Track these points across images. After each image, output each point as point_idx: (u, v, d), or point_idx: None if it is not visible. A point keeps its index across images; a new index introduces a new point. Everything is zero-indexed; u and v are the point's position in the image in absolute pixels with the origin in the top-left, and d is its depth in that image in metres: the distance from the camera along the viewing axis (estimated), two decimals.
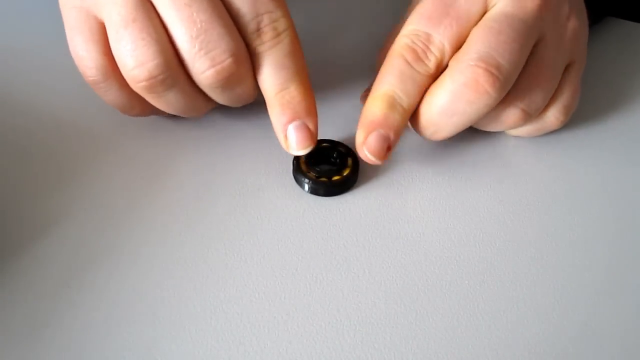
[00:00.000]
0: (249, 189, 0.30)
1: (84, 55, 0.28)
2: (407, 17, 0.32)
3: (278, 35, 0.27)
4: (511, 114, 0.29)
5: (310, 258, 0.27)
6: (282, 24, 0.27)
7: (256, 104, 0.33)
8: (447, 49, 0.28)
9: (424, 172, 0.31)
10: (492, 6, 0.28)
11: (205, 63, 0.26)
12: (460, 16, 0.28)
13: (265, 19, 0.27)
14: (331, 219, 0.29)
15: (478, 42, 0.27)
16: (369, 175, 0.31)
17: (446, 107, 0.28)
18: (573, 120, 0.32)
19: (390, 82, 0.28)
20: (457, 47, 0.28)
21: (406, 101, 0.28)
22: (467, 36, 0.28)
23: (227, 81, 0.27)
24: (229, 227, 0.28)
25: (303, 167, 0.30)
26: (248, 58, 0.27)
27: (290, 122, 0.28)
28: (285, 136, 0.28)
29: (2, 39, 0.37)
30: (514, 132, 0.32)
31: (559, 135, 0.33)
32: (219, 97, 0.29)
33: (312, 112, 0.28)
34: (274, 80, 0.28)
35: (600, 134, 0.34)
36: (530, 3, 0.28)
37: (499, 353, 0.25)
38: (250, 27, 0.27)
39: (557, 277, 0.27)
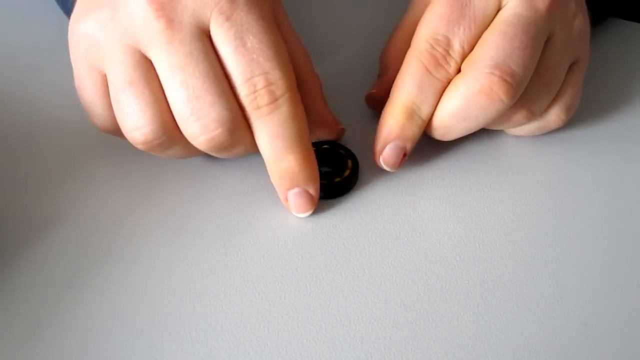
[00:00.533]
0: (248, 188, 0.30)
1: (91, 107, 0.28)
2: (411, 14, 0.31)
3: (275, 100, 0.25)
4: (517, 113, 0.29)
5: (310, 258, 0.27)
6: (280, 87, 0.25)
7: None
8: (466, 51, 0.28)
9: (424, 172, 0.31)
10: (505, 4, 0.28)
11: (196, 129, 0.25)
12: (476, 16, 0.28)
13: (261, 82, 0.25)
14: (331, 219, 0.29)
15: (493, 48, 0.27)
16: (368, 176, 0.31)
17: (459, 111, 0.28)
18: (573, 120, 0.32)
19: (410, 92, 0.28)
20: (473, 48, 0.28)
21: (425, 111, 0.28)
22: (480, 36, 0.28)
23: (219, 148, 0.26)
24: (229, 227, 0.28)
25: None
26: (244, 124, 0.26)
27: (289, 189, 0.28)
28: (286, 199, 0.28)
29: (2, 39, 0.37)
30: (514, 131, 0.32)
31: (559, 135, 0.33)
32: (219, 156, 0.28)
33: (311, 179, 0.27)
34: (270, 150, 0.26)
35: (601, 134, 0.34)
36: (541, 3, 0.28)
37: (499, 353, 0.25)
38: (245, 90, 0.25)
39: (557, 277, 0.27)
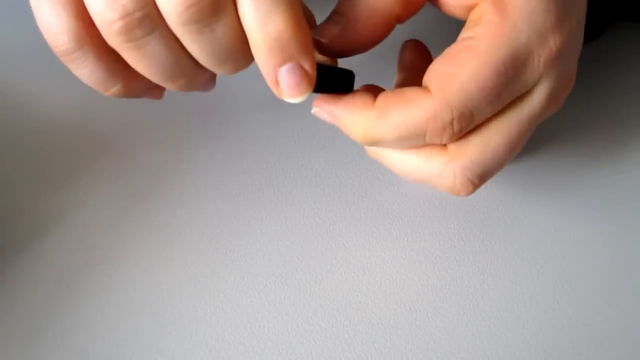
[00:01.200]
0: (249, 188, 0.30)
1: (53, 22, 0.24)
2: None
3: None
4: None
5: (310, 258, 0.27)
6: None
7: (256, 105, 0.33)
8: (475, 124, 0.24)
9: None
10: (533, 90, 0.24)
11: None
12: (509, 99, 0.24)
13: None
14: (331, 219, 0.29)
15: (491, 150, 0.24)
16: (368, 175, 0.31)
17: (409, 173, 0.26)
18: (574, 120, 0.32)
19: (384, 129, 0.24)
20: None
21: (381, 144, 0.25)
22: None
23: (199, 9, 0.22)
24: (229, 227, 0.28)
25: None
26: None
27: (280, 65, 0.23)
28: (276, 81, 0.23)
29: (2, 39, 0.37)
30: None
31: (559, 135, 0.33)
32: (199, 48, 0.23)
33: (306, 49, 0.23)
34: (255, 11, 0.22)
35: (602, 135, 0.34)
36: (560, 100, 0.25)
37: (499, 353, 0.25)
38: None
39: (557, 277, 0.27)
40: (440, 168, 0.25)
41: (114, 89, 0.25)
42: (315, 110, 0.26)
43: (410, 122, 0.23)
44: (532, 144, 0.33)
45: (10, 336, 0.24)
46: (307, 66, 0.23)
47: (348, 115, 0.25)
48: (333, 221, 0.29)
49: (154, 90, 0.27)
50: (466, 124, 0.23)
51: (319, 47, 0.26)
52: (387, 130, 0.24)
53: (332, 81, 0.25)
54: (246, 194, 0.30)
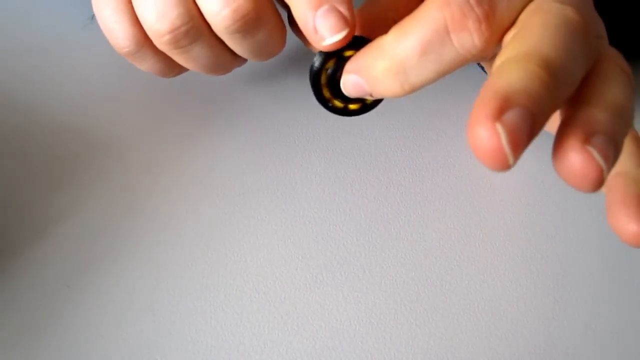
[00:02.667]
0: (249, 188, 0.30)
1: (114, 27, 0.27)
2: None
3: None
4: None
5: (310, 258, 0.27)
6: None
7: (256, 105, 0.33)
8: (505, 25, 0.21)
9: (423, 172, 0.31)
10: None
11: (220, 3, 0.25)
12: None
13: None
14: (331, 219, 0.29)
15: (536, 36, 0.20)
16: (368, 176, 0.31)
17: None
18: None
19: (408, 47, 0.22)
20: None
21: (412, 80, 0.22)
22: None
23: (245, 22, 0.25)
24: (229, 227, 0.28)
25: (326, 94, 0.25)
26: None
27: (317, 7, 0.23)
28: (315, 29, 0.23)
29: (2, 39, 0.37)
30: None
31: None
32: (242, 48, 0.27)
33: None
34: None
35: None
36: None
37: (499, 353, 0.25)
38: None
39: (557, 277, 0.27)
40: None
41: (171, 74, 0.31)
42: (343, 79, 0.24)
43: (428, 22, 0.21)
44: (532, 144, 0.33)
45: (10, 336, 0.24)
46: (343, 9, 0.23)
47: (369, 55, 0.23)
48: (333, 221, 0.29)
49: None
50: (489, 7, 0.21)
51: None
52: (409, 44, 0.21)
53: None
54: (246, 194, 0.30)
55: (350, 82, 0.23)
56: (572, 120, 0.19)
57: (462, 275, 0.27)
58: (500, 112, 0.17)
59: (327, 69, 0.24)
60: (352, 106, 0.25)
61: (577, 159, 0.18)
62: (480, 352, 0.25)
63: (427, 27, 0.21)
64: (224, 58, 0.29)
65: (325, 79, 0.25)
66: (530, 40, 0.19)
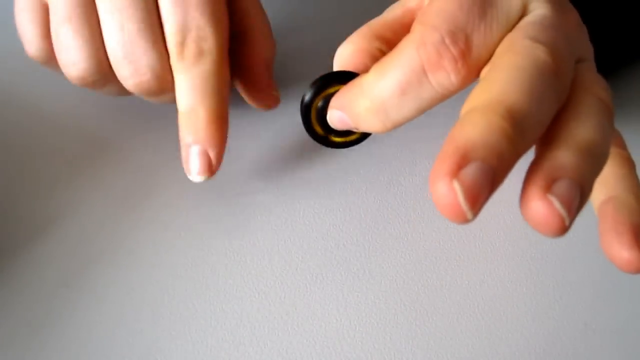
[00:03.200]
0: (249, 189, 0.30)
1: (26, 36, 0.28)
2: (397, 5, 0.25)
3: (201, 54, 0.26)
4: None
5: (310, 258, 0.27)
6: (208, 43, 0.26)
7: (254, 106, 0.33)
8: (483, 60, 0.21)
9: (423, 171, 0.31)
10: (531, 11, 0.22)
11: (127, 72, 0.26)
12: (500, 18, 0.21)
13: (192, 34, 0.26)
14: (331, 218, 0.29)
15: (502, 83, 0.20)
16: (368, 175, 0.31)
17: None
18: None
19: (385, 87, 0.22)
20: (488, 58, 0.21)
21: (393, 118, 0.22)
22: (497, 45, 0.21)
23: (148, 93, 0.27)
24: (229, 227, 0.28)
25: (318, 129, 0.26)
26: (172, 73, 0.27)
27: (192, 144, 0.27)
28: (187, 160, 0.27)
29: (2, 39, 0.37)
30: None
31: None
32: (149, 100, 0.29)
33: (216, 140, 0.27)
34: (185, 100, 0.27)
35: None
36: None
37: (499, 353, 0.25)
38: (175, 39, 0.26)
39: (557, 277, 0.27)
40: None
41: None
42: (329, 115, 0.24)
43: (405, 62, 0.21)
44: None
45: (10, 336, 0.24)
46: (213, 155, 0.27)
47: (351, 93, 0.23)
48: (333, 221, 0.29)
49: None
50: (464, 45, 0.21)
51: None
52: (388, 85, 0.21)
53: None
54: (246, 194, 0.30)
55: (336, 118, 0.24)
56: (538, 164, 0.19)
57: (462, 275, 0.27)
58: (458, 168, 0.18)
59: (317, 105, 0.25)
60: (344, 139, 0.26)
61: (538, 207, 0.19)
62: (480, 352, 0.25)
63: (405, 68, 0.21)
64: (131, 94, 0.29)
65: (315, 115, 0.25)
66: (495, 87, 0.19)
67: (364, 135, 0.26)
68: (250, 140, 0.32)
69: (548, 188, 0.19)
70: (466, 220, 0.18)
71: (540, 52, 0.20)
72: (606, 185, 0.24)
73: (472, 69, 0.21)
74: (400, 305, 0.26)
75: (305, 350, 0.24)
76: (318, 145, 0.32)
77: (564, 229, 0.19)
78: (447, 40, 0.20)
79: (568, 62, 0.21)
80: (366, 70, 0.23)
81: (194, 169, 0.27)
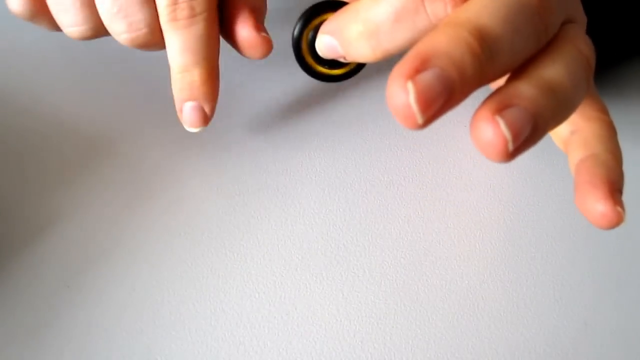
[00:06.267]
0: (249, 189, 0.30)
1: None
2: None
3: (193, 16, 0.26)
4: None
5: (310, 258, 0.27)
6: (200, 5, 0.26)
7: (256, 105, 0.33)
8: None
9: (423, 171, 0.31)
10: None
11: (121, 26, 0.27)
12: None
13: None
14: (331, 218, 0.29)
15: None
16: (368, 176, 0.31)
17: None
18: None
19: (375, 14, 0.22)
20: None
21: (385, 46, 0.22)
22: None
23: (142, 47, 0.28)
24: (229, 227, 0.28)
25: (309, 60, 0.26)
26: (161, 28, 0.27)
27: (187, 100, 0.28)
28: (181, 111, 0.28)
29: (2, 39, 0.37)
30: None
31: None
32: (138, 49, 0.29)
33: (210, 97, 0.28)
34: (179, 60, 0.27)
35: None
36: None
37: (499, 353, 0.25)
38: (167, 0, 0.26)
39: (557, 277, 0.27)
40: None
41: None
42: (317, 40, 0.24)
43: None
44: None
45: (10, 336, 0.24)
46: (207, 109, 0.28)
47: (344, 17, 0.23)
48: (333, 221, 0.29)
49: None
50: None
51: None
52: (384, 10, 0.21)
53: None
54: (246, 194, 0.30)
55: (324, 43, 0.24)
56: (497, 91, 0.19)
57: (462, 275, 0.27)
58: (415, 72, 0.18)
59: (308, 35, 0.25)
60: (336, 71, 0.26)
61: (484, 127, 0.18)
62: (480, 352, 0.25)
63: None
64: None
65: (306, 45, 0.25)
66: (473, 8, 0.19)
67: (355, 69, 0.26)
68: (250, 139, 0.32)
69: (499, 111, 0.18)
70: (417, 125, 0.18)
71: None
72: (586, 146, 0.23)
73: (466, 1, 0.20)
74: (400, 305, 0.26)
75: (305, 350, 0.24)
76: (319, 146, 0.32)
77: (506, 154, 0.18)
78: None
79: (554, 10, 0.21)
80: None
81: (190, 123, 0.29)
